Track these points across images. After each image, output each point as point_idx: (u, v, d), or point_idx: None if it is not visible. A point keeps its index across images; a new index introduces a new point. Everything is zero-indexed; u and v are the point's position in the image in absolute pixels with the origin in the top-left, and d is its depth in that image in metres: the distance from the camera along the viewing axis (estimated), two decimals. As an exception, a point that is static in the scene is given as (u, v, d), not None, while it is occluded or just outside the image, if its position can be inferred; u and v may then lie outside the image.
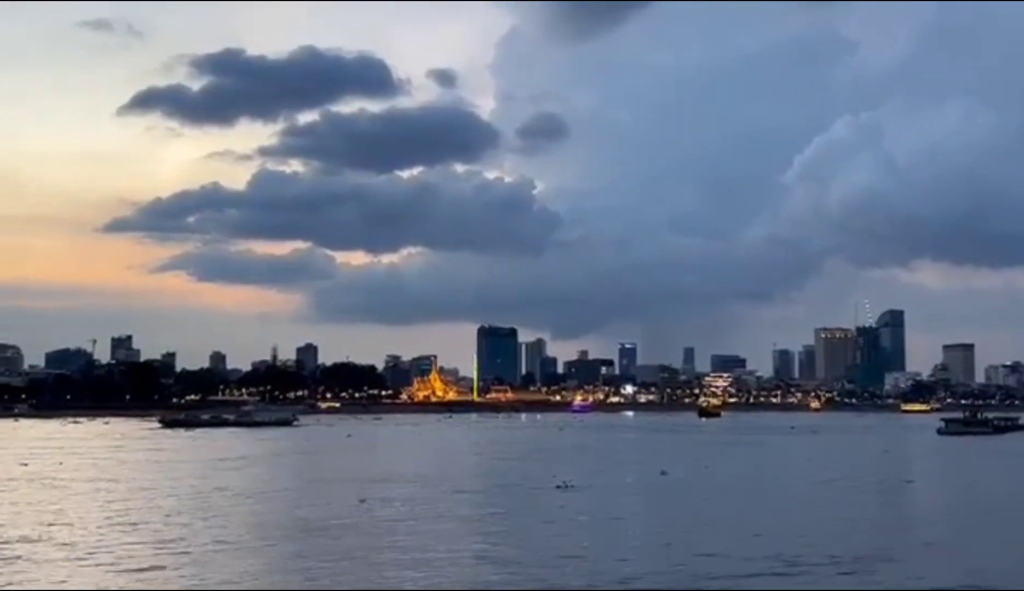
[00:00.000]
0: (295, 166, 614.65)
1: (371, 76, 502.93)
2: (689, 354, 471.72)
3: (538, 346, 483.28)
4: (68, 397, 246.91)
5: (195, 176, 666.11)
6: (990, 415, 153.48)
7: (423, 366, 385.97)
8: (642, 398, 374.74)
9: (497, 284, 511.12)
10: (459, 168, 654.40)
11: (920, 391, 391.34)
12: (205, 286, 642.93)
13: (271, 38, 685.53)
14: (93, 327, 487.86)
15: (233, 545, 31.60)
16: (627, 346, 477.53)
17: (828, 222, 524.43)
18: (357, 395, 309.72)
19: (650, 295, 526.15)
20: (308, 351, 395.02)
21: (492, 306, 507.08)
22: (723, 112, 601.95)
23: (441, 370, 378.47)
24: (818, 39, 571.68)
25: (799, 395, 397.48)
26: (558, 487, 50.40)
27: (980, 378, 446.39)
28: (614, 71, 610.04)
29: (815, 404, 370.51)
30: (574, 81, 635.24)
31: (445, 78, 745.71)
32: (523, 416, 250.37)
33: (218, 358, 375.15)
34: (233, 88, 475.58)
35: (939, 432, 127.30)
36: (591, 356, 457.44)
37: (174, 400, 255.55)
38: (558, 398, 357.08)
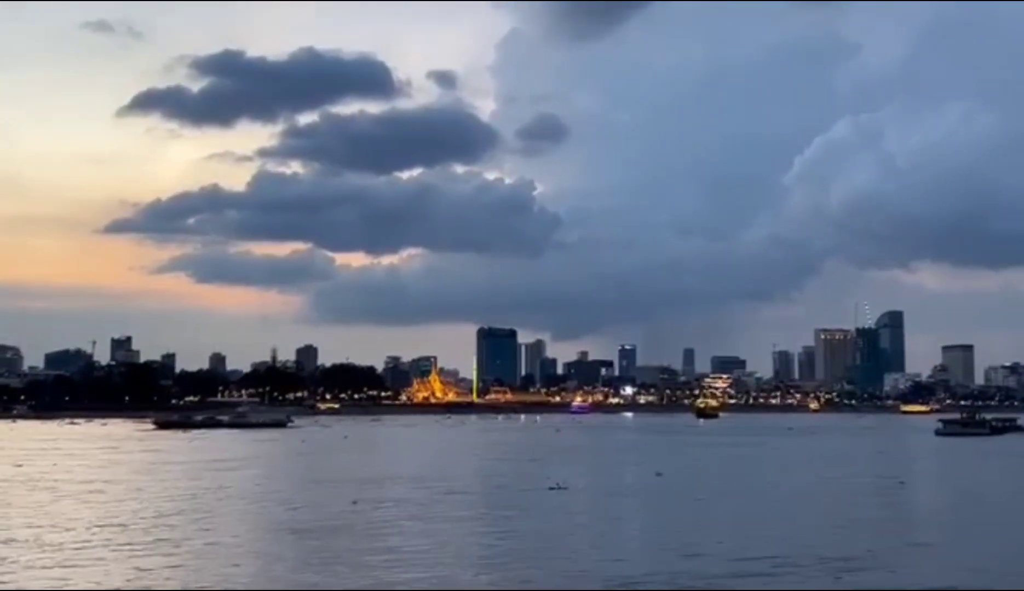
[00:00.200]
0: (295, 167, 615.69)
1: (371, 77, 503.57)
2: (689, 355, 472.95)
3: (538, 347, 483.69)
4: (67, 398, 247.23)
5: (195, 177, 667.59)
6: (988, 416, 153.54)
7: (423, 367, 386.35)
8: (641, 399, 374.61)
9: (497, 285, 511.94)
10: (459, 169, 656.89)
11: (919, 392, 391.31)
12: (205, 287, 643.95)
13: (271, 39, 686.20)
14: (93, 328, 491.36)
15: (222, 546, 31.62)
16: (627, 347, 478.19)
17: (828, 223, 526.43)
18: (357, 396, 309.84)
19: (650, 296, 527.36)
20: (308, 352, 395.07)
21: (492, 307, 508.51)
22: (723, 113, 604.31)
23: (441, 371, 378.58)
24: (818, 40, 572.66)
25: (798, 396, 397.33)
26: (551, 489, 50.35)
27: (980, 379, 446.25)
28: (614, 72, 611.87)
29: (814, 405, 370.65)
30: (574, 82, 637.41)
31: (445, 79, 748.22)
32: (522, 417, 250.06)
33: (218, 359, 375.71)
34: (233, 89, 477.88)
35: (937, 433, 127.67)
36: (591, 357, 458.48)
37: (173, 401, 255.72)
38: (557, 399, 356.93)
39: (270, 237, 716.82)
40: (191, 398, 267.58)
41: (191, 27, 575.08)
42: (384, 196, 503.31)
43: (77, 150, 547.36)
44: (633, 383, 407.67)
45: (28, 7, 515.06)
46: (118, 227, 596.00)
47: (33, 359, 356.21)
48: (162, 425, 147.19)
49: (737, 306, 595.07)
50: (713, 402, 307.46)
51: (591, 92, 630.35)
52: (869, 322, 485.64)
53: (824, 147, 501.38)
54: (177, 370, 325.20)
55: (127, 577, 26.45)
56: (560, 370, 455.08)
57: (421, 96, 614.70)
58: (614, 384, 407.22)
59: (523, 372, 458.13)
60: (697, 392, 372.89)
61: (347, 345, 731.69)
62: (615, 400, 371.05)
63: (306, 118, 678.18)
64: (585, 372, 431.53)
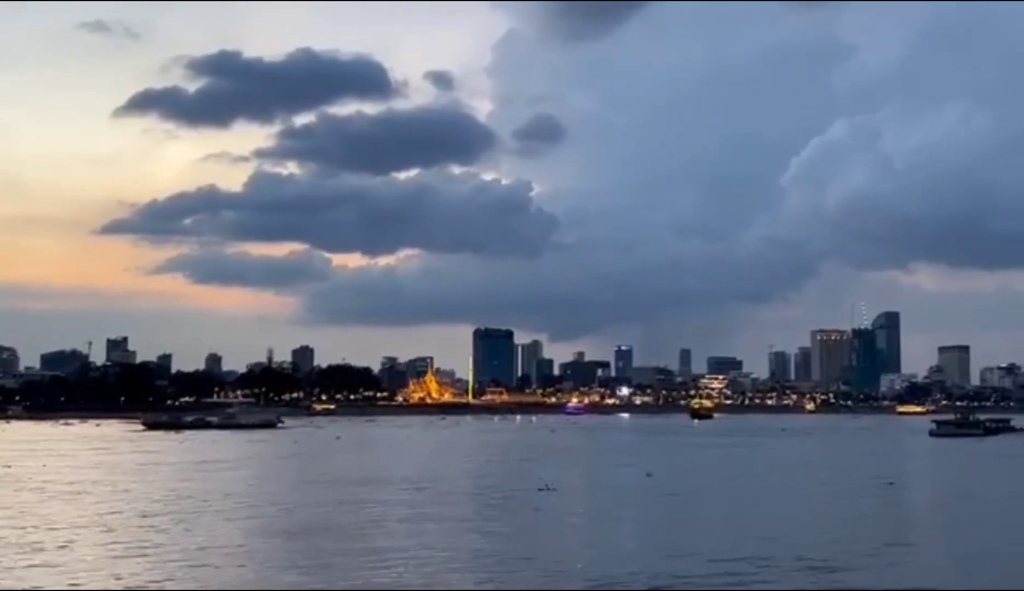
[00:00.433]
0: (292, 168, 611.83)
1: (368, 78, 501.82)
2: (685, 356, 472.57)
3: (534, 348, 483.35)
4: (63, 399, 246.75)
5: (192, 178, 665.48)
6: (982, 417, 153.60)
7: (419, 368, 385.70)
8: (638, 400, 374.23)
9: (494, 286, 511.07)
10: (456, 170, 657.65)
11: (915, 393, 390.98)
12: (201, 288, 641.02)
13: (268, 40, 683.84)
14: (89, 329, 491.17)
15: (207, 548, 31.59)
16: (623, 348, 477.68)
17: (825, 224, 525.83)
18: (353, 397, 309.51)
19: (647, 297, 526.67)
20: (304, 353, 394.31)
21: (489, 308, 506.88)
22: (721, 114, 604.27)
23: (437, 372, 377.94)
24: (816, 41, 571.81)
25: (794, 397, 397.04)
26: (540, 490, 50.35)
27: (975, 380, 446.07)
28: (612, 73, 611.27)
29: (810, 406, 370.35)
30: (571, 83, 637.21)
31: (442, 80, 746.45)
32: (518, 418, 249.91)
33: (214, 360, 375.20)
34: (230, 90, 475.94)
35: (931, 434, 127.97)
36: (588, 358, 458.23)
37: (169, 402, 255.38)
38: (553, 400, 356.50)
39: (267, 238, 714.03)
40: (187, 399, 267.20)
41: (188, 28, 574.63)
42: (381, 197, 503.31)
43: (74, 151, 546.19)
44: (629, 384, 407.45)
45: (25, 7, 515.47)
46: (115, 228, 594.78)
47: (29, 360, 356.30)
48: (151, 426, 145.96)
49: (734, 307, 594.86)
50: (708, 403, 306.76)
51: (588, 93, 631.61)
52: (865, 323, 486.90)
53: (821, 148, 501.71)
54: (173, 371, 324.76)
55: (111, 578, 26.43)
56: (556, 371, 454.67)
57: (418, 97, 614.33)
58: (610, 385, 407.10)
59: (519, 373, 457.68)
60: (693, 393, 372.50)
61: (343, 346, 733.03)
62: (611, 401, 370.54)
63: (303, 119, 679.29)
64: (581, 373, 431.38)
